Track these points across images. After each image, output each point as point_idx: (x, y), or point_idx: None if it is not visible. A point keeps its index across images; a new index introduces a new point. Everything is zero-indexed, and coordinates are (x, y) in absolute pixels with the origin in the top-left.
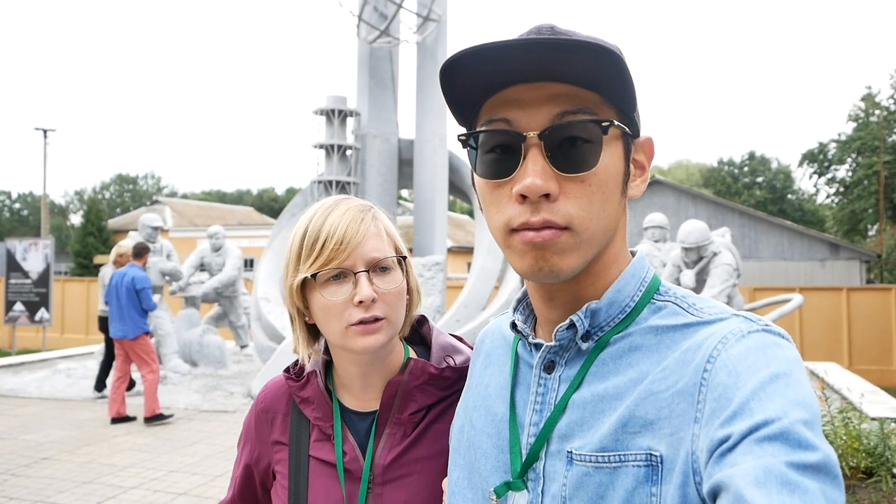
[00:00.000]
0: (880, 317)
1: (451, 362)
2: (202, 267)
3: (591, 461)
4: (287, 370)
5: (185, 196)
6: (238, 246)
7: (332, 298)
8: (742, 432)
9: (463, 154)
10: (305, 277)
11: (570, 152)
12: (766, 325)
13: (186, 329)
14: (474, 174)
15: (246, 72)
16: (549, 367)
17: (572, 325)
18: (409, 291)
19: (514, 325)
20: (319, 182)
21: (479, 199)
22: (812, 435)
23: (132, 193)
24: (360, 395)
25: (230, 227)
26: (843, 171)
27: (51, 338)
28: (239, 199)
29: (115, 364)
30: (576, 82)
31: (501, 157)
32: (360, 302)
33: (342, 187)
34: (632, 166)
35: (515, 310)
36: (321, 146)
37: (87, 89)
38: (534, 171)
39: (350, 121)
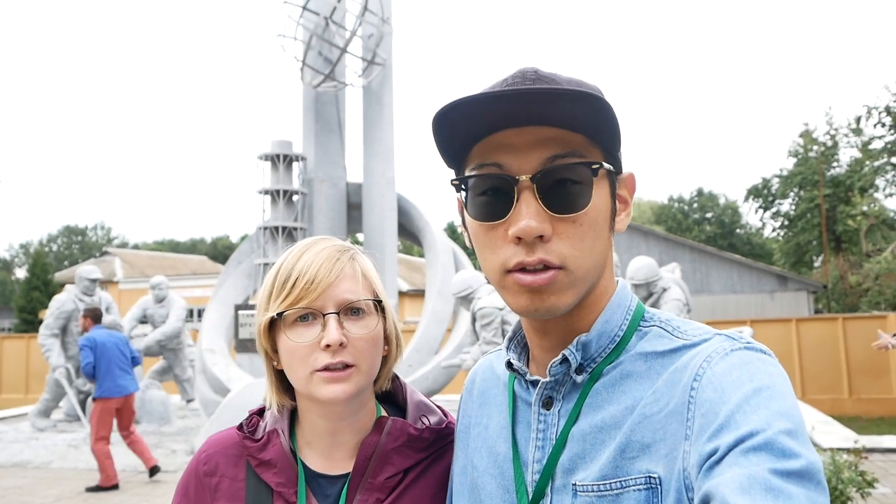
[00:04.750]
0: (829, 346)
1: (427, 422)
2: (144, 319)
3: (593, 491)
4: (240, 427)
5: (136, 246)
6: (191, 296)
7: (297, 340)
8: (728, 444)
9: (411, 196)
10: (273, 318)
11: (561, 194)
12: (748, 343)
13: None
14: (466, 216)
15: (197, 118)
16: (547, 402)
17: (565, 360)
18: (387, 341)
19: (509, 364)
20: (265, 228)
21: (470, 240)
22: (796, 444)
23: (81, 245)
24: (329, 455)
25: (183, 277)
26: (786, 205)
27: None
28: (192, 247)
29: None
30: (563, 126)
31: (494, 200)
32: (328, 346)
33: (289, 233)
34: (616, 202)
35: (508, 348)
36: (266, 192)
37: (32, 139)
38: (528, 214)
39: (296, 165)
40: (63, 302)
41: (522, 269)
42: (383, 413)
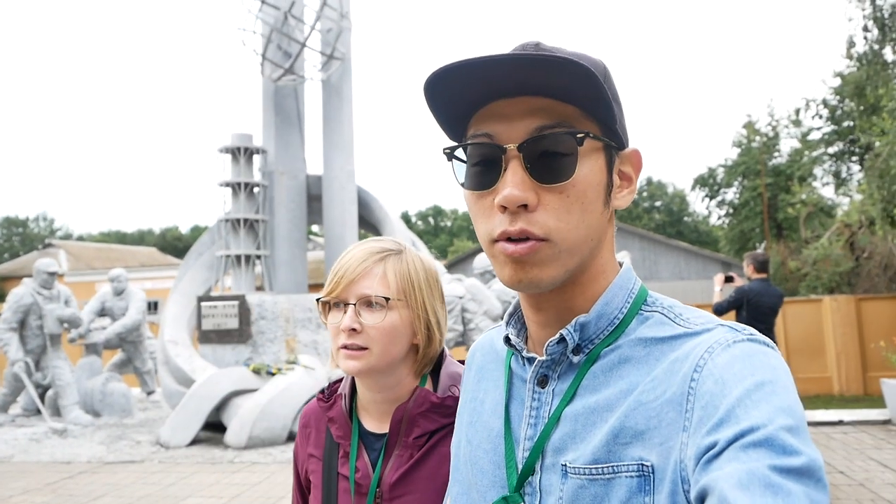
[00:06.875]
0: None
1: (455, 392)
2: (103, 312)
3: (585, 474)
4: (322, 391)
5: (81, 238)
6: (142, 288)
7: (331, 322)
8: (728, 439)
9: (371, 188)
10: (325, 301)
11: (547, 163)
12: (752, 335)
13: (88, 378)
14: (462, 187)
15: (145, 107)
16: (542, 381)
17: (563, 339)
18: (415, 332)
19: (507, 339)
20: (227, 220)
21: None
22: (796, 441)
23: (22, 237)
24: (380, 418)
25: (132, 269)
26: (731, 194)
27: None
28: (140, 239)
29: None
30: (554, 96)
31: (484, 169)
32: (342, 330)
33: (250, 225)
34: (617, 178)
35: (508, 323)
36: (227, 184)
37: None
38: (513, 182)
39: (257, 158)
40: (21, 296)
41: (508, 238)
42: (427, 385)
